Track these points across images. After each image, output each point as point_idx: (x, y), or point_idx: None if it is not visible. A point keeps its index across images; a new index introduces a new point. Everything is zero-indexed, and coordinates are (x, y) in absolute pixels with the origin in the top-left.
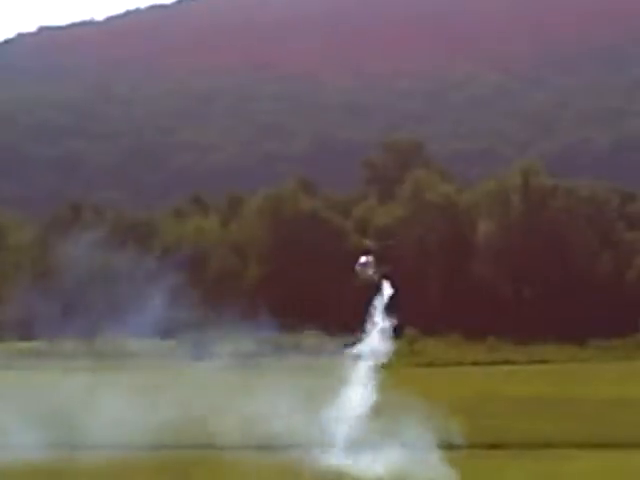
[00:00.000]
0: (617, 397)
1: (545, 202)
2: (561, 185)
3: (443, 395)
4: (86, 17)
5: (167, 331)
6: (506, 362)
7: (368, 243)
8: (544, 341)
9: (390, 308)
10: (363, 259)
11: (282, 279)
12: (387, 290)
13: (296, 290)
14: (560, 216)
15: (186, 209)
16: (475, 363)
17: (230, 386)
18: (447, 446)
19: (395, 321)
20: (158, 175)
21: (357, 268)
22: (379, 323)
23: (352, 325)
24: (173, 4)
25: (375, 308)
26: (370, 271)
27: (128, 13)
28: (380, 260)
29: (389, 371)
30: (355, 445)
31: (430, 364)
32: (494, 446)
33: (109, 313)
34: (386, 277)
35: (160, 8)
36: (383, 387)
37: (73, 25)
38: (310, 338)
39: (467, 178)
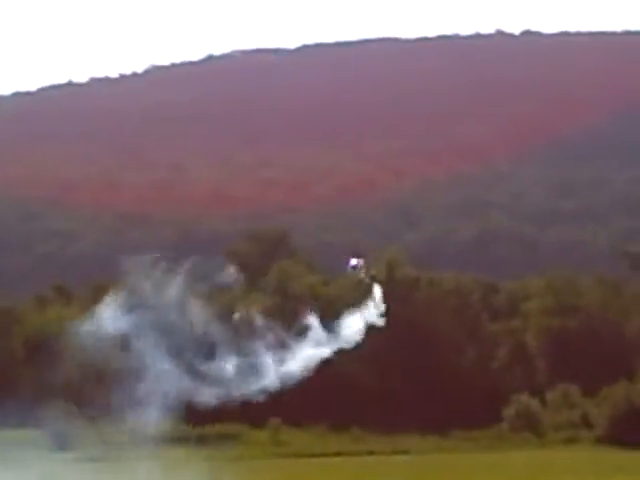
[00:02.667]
0: None
1: (409, 294)
2: (424, 277)
3: None
4: None
5: (30, 421)
6: (370, 453)
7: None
8: (408, 431)
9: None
10: (354, 261)
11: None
12: (378, 293)
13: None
14: (424, 307)
15: (48, 297)
16: (339, 454)
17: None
18: None
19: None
20: (20, 262)
21: (349, 270)
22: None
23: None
24: (37, 91)
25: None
26: (361, 274)
27: None
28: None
29: (251, 462)
30: None
31: (293, 455)
32: None
33: None
34: (376, 280)
35: (24, 95)
36: (242, 477)
37: None
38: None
39: (332, 269)
